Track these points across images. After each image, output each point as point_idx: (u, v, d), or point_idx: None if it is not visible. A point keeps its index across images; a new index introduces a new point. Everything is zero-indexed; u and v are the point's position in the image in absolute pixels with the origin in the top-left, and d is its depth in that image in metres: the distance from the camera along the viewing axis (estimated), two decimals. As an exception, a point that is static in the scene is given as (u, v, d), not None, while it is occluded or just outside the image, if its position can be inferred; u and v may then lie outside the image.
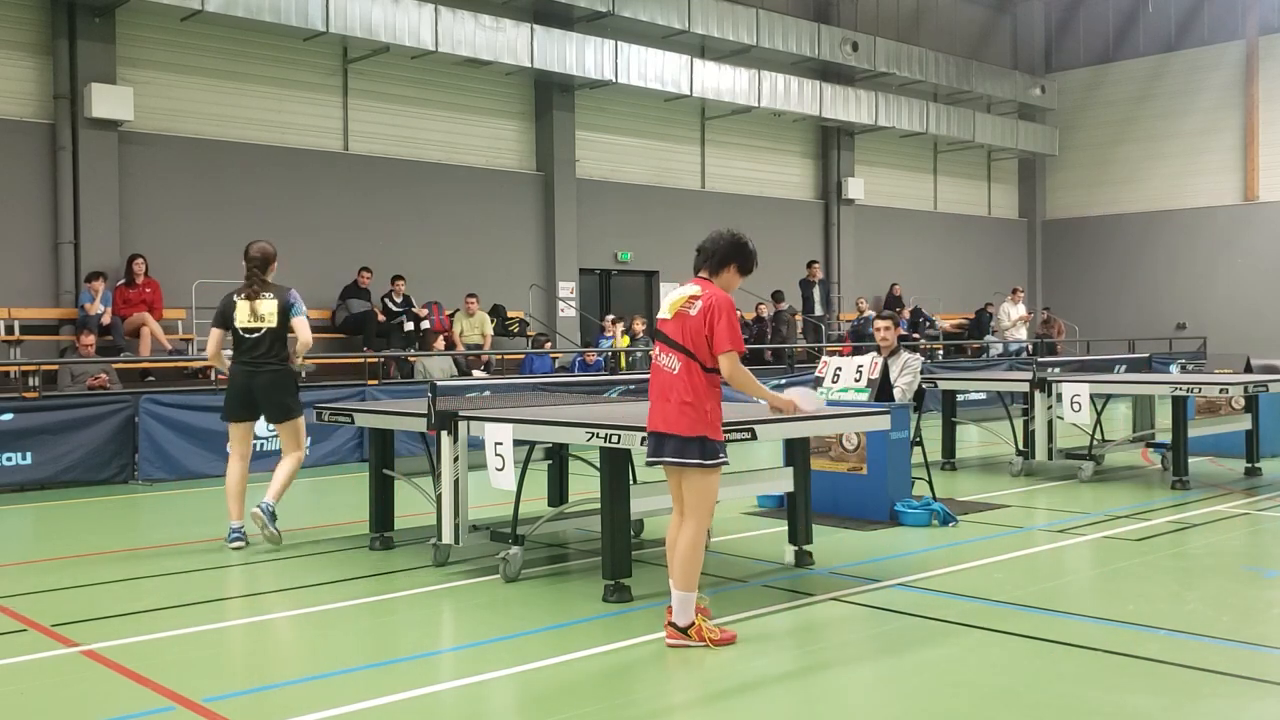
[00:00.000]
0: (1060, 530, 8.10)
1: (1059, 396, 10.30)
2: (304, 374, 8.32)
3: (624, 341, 17.16)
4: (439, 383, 6.93)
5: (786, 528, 7.02)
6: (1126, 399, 13.19)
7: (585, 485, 7.81)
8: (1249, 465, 10.88)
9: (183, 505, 10.07)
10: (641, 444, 5.41)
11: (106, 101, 14.69)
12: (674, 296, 5.23)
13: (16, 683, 4.84)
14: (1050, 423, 10.65)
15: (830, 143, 24.34)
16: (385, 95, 17.95)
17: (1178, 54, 27.31)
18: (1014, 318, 23.73)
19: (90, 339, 13.05)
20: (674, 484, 5.28)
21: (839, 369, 8.87)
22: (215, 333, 8.11)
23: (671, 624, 5.17)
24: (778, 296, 19.99)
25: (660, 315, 5.29)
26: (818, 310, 20.84)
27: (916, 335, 21.48)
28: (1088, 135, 28.63)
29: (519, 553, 6.58)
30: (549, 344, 17.68)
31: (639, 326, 17.65)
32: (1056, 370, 11.75)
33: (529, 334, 18.20)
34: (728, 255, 5.30)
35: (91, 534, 8.75)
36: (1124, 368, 13.18)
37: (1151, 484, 10.41)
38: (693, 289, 5.20)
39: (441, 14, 16.95)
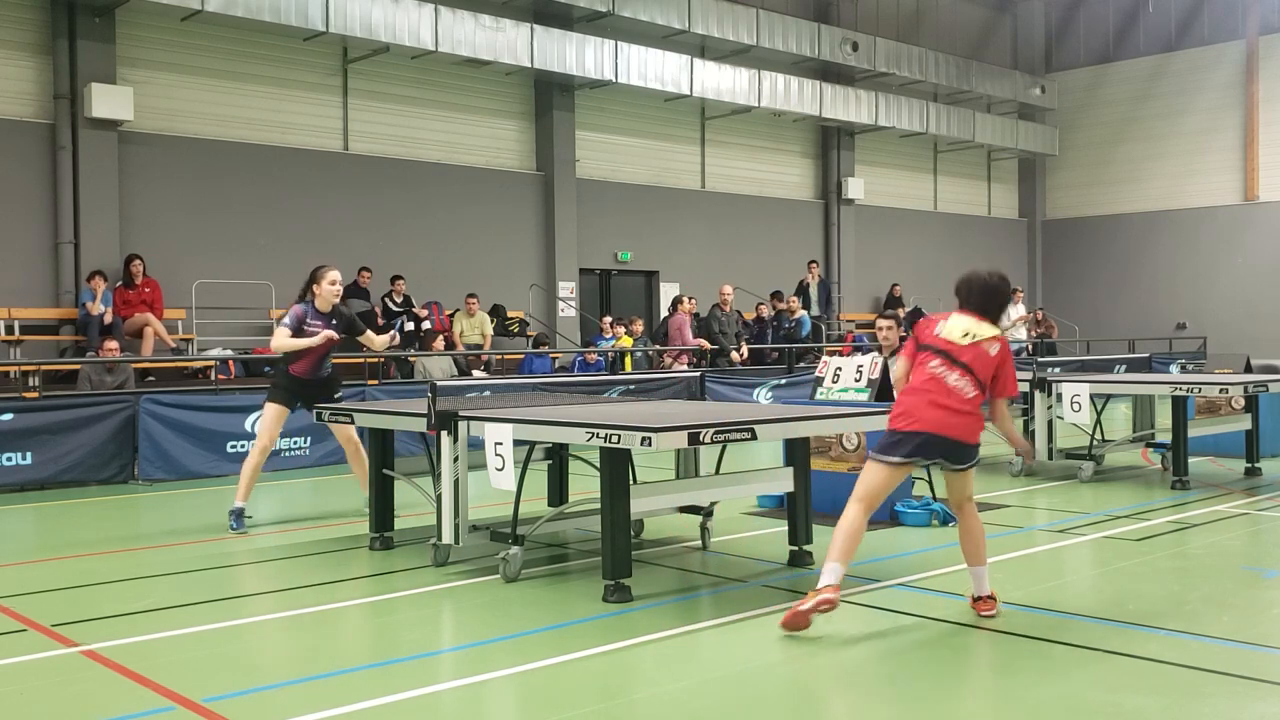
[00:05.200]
0: (1060, 530, 8.10)
1: (1059, 396, 10.30)
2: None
3: (626, 341, 17.14)
4: (439, 383, 6.92)
5: (786, 528, 7.02)
6: (1126, 399, 13.18)
7: (585, 485, 7.81)
8: (1249, 465, 10.87)
9: (183, 505, 10.07)
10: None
11: (106, 101, 14.71)
12: (965, 325, 5.54)
13: (16, 683, 4.84)
14: (1050, 423, 10.65)
15: (830, 143, 24.35)
16: (385, 95, 17.96)
17: (1178, 54, 27.31)
18: (1013, 318, 23.71)
19: (114, 344, 13.04)
20: (896, 478, 5.50)
21: (839, 369, 8.88)
22: None
23: (979, 597, 5.62)
24: (777, 296, 19.98)
25: (945, 335, 5.53)
26: (815, 310, 20.81)
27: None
28: (1088, 135, 28.64)
29: (519, 553, 6.57)
30: (542, 344, 17.66)
31: (638, 328, 17.64)
32: (1056, 370, 11.75)
33: (529, 334, 18.21)
34: (999, 302, 5.68)
35: (91, 534, 8.75)
36: (1124, 368, 13.19)
37: (1151, 484, 10.41)
38: (991, 330, 5.56)
39: (441, 14, 16.96)
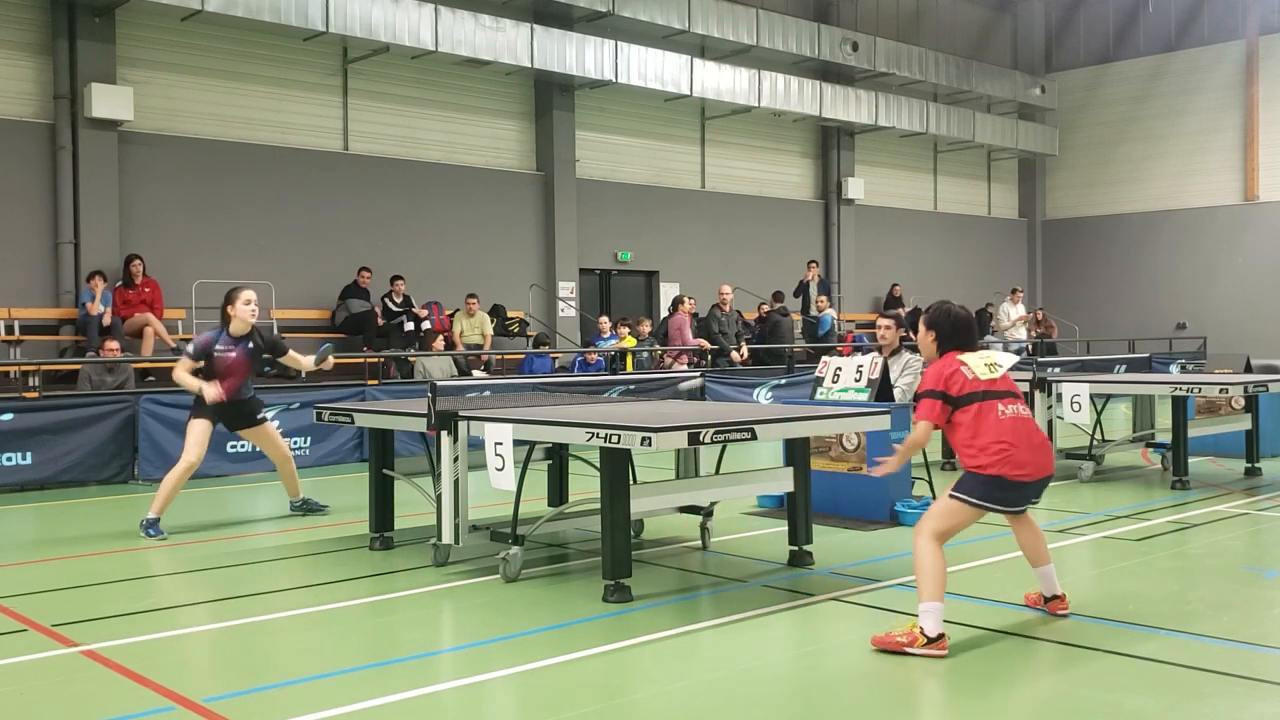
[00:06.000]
0: (1060, 530, 8.10)
1: (1059, 396, 10.29)
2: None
3: (630, 341, 17.13)
4: (439, 383, 6.92)
5: (786, 528, 7.02)
6: (1126, 399, 13.19)
7: (585, 485, 7.81)
8: (1249, 465, 10.88)
9: (182, 505, 10.06)
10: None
11: (106, 101, 14.71)
12: (984, 359, 5.43)
13: (16, 683, 4.84)
14: (1050, 423, 10.64)
15: (830, 143, 24.35)
16: (385, 95, 17.96)
17: (1178, 54, 27.31)
18: (1014, 318, 23.73)
19: (114, 344, 13.06)
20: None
21: (839, 369, 8.88)
22: None
23: (1051, 598, 5.68)
24: (778, 296, 19.97)
25: (983, 378, 5.35)
26: (814, 310, 20.81)
27: (913, 335, 21.43)
28: (1088, 135, 28.64)
29: (519, 553, 6.58)
30: (542, 344, 17.65)
31: (644, 329, 17.59)
32: (1056, 370, 11.75)
33: (529, 334, 18.20)
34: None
35: (92, 534, 8.75)
36: (1124, 368, 13.18)
37: (1151, 484, 10.41)
38: (1006, 358, 5.54)
39: (441, 14, 16.96)
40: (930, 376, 5.42)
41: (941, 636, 4.99)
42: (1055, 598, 5.67)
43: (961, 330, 5.51)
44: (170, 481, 8.22)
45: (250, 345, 8.38)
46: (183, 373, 8.23)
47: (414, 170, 18.16)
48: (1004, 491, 5.24)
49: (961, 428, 5.31)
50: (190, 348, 8.27)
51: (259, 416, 8.73)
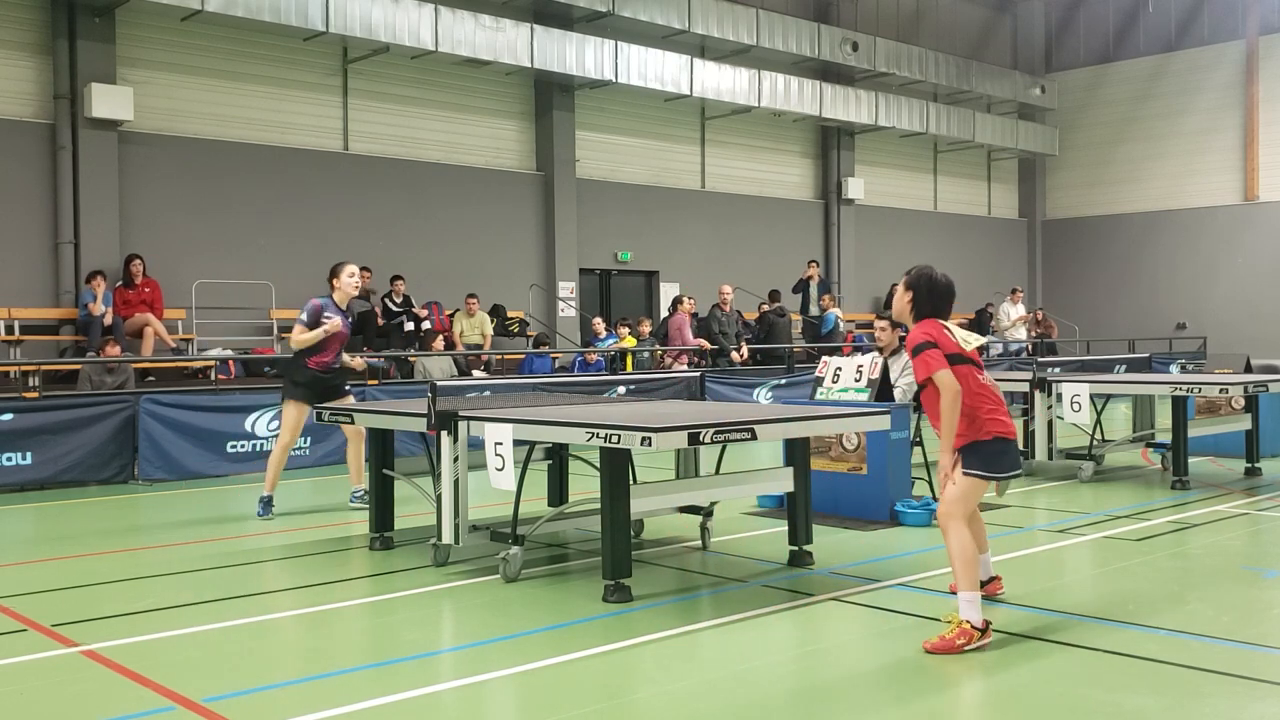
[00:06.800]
0: (1060, 530, 8.10)
1: (1059, 396, 10.29)
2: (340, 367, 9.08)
3: (630, 341, 17.11)
4: (439, 383, 6.92)
5: (786, 528, 7.02)
6: (1126, 399, 13.19)
7: (585, 485, 7.81)
8: (1249, 465, 10.87)
9: (183, 505, 10.07)
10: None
11: (106, 101, 14.71)
12: (963, 334, 5.41)
13: (16, 683, 4.84)
14: (1050, 423, 10.64)
15: (830, 143, 24.34)
16: (385, 95, 17.97)
17: (1178, 54, 27.32)
18: (1013, 318, 23.72)
19: (115, 348, 13.06)
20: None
21: (839, 369, 8.88)
22: None
23: (989, 580, 5.89)
24: (774, 296, 19.96)
25: (961, 345, 5.34)
26: (814, 310, 20.81)
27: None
28: (1088, 135, 28.64)
29: (519, 553, 6.57)
30: (542, 344, 17.63)
31: (645, 329, 17.57)
32: (1056, 370, 11.75)
33: (529, 334, 18.19)
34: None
35: (91, 534, 8.75)
36: (1124, 368, 13.19)
37: (1151, 484, 10.41)
38: (977, 338, 5.49)
39: (441, 14, 16.96)
40: (918, 333, 5.32)
41: (988, 625, 5.11)
42: (992, 580, 5.93)
43: (939, 296, 5.44)
44: (273, 463, 8.81)
45: (349, 318, 8.87)
46: (305, 333, 8.61)
47: (414, 170, 18.16)
48: (1006, 454, 5.31)
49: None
50: (304, 315, 8.64)
51: (346, 388, 9.11)
